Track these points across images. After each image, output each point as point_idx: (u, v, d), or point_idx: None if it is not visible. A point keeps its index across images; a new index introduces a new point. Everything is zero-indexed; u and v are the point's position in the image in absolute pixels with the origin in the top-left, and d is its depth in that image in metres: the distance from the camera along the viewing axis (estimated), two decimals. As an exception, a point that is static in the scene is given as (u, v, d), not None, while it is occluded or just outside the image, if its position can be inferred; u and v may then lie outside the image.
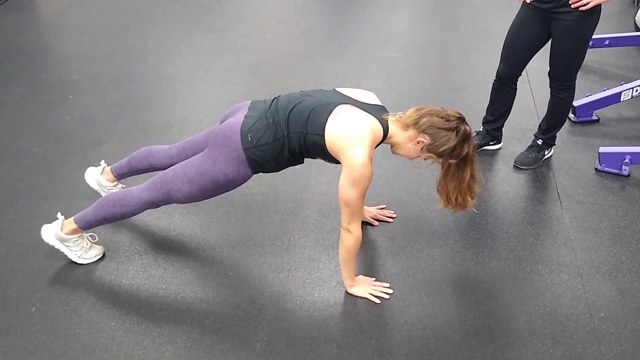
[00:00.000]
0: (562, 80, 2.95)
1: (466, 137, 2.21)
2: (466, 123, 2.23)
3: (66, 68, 4.17)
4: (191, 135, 3.31)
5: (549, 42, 2.90)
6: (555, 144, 3.21)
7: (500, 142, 3.32)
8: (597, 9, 2.70)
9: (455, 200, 2.34)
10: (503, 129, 3.27)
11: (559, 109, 3.06)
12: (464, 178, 2.29)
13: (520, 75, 3.07)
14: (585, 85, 3.94)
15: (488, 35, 4.61)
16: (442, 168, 2.33)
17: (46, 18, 4.99)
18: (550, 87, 3.02)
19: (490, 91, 3.19)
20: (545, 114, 3.15)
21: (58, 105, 3.71)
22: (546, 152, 3.18)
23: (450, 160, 2.25)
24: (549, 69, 2.95)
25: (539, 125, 3.18)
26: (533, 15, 2.85)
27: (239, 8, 5.24)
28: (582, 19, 2.71)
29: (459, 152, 2.22)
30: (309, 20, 5.06)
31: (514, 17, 2.95)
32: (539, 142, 3.16)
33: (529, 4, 2.84)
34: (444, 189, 2.34)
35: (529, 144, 3.20)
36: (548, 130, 3.14)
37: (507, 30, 2.99)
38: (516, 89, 3.13)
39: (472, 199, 2.35)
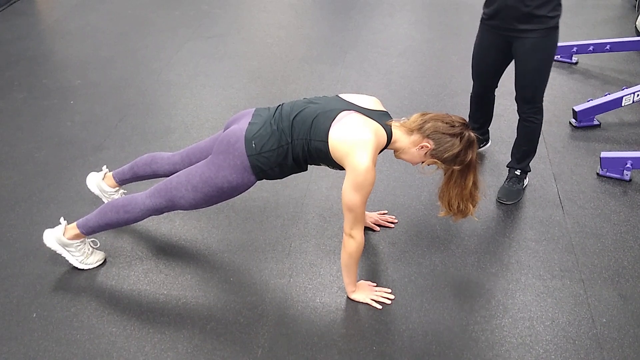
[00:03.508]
0: (532, 103, 2.81)
1: (470, 143, 2.22)
2: (470, 129, 2.24)
3: (67, 74, 4.18)
4: (192, 140, 3.33)
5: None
6: (530, 170, 3.04)
7: (488, 142, 3.33)
8: (558, 23, 2.64)
9: (457, 207, 2.33)
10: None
11: (532, 134, 2.90)
12: (466, 185, 2.28)
13: (497, 87, 3.02)
14: (586, 90, 3.94)
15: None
16: (444, 174, 2.33)
17: (47, 24, 5.00)
18: (519, 112, 2.88)
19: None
20: (515, 141, 3.00)
21: (59, 111, 3.72)
22: (525, 182, 3.03)
23: (454, 167, 2.25)
24: (515, 93, 2.84)
25: (512, 154, 3.02)
26: (492, 36, 2.77)
27: (239, 14, 5.25)
28: (546, 35, 2.63)
29: (462, 159, 2.22)
30: (309, 26, 5.06)
31: (476, 37, 2.89)
32: (517, 172, 2.99)
33: (486, 23, 2.76)
34: (446, 195, 2.33)
35: (506, 177, 3.03)
36: (523, 159, 2.97)
37: (472, 52, 2.94)
38: (494, 96, 3.10)
39: (473, 206, 2.34)
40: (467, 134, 2.21)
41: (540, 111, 2.84)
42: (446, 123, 2.20)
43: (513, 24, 2.64)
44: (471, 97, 3.13)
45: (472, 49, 2.94)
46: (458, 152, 2.20)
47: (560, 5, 2.63)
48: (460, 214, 2.35)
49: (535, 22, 2.60)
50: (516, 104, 2.88)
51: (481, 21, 2.83)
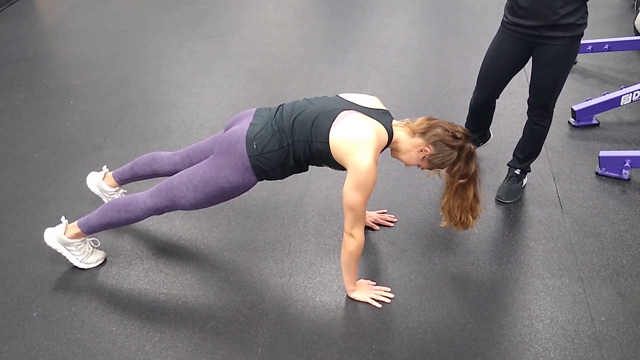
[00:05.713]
0: (545, 108, 2.78)
1: (470, 156, 2.25)
2: (471, 142, 2.26)
3: (67, 73, 4.18)
4: (192, 140, 3.34)
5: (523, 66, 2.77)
6: (530, 171, 3.05)
7: (491, 136, 3.30)
8: (583, 31, 2.59)
9: (459, 218, 2.35)
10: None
11: (539, 136, 2.89)
12: (467, 197, 2.31)
13: (498, 97, 2.96)
14: (585, 90, 3.95)
15: (487, 40, 4.57)
16: (446, 185, 2.34)
17: (47, 24, 5.00)
18: (529, 114, 2.85)
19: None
20: (519, 141, 2.98)
21: (59, 111, 3.72)
22: (524, 181, 3.02)
23: (460, 181, 2.26)
24: (529, 97, 2.80)
25: (514, 154, 3.01)
26: (513, 41, 2.68)
27: (238, 13, 5.26)
28: (572, 43, 2.58)
29: (465, 172, 2.24)
30: (308, 25, 5.07)
31: (491, 42, 2.83)
32: (517, 172, 2.98)
33: (509, 28, 2.67)
34: (447, 206, 2.35)
35: (506, 176, 3.03)
36: (525, 160, 2.97)
37: (484, 56, 2.86)
38: (495, 106, 3.04)
39: (474, 218, 2.36)
40: (467, 147, 2.24)
41: (550, 115, 2.82)
42: (450, 133, 2.22)
43: (539, 30, 2.56)
44: (471, 105, 3.06)
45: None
46: (454, 162, 2.24)
47: (587, 13, 2.57)
48: (462, 225, 2.37)
49: (563, 29, 2.53)
50: (527, 106, 2.84)
51: (502, 24, 2.73)
